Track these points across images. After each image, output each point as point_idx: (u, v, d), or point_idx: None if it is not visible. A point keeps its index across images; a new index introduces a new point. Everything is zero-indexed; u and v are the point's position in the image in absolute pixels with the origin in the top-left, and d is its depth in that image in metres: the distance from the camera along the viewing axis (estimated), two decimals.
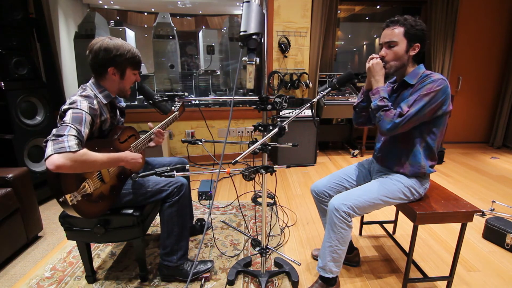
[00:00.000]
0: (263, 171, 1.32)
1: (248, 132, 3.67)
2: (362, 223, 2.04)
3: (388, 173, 1.48)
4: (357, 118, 1.61)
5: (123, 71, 1.38)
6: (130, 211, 1.44)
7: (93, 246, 1.90)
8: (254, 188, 2.75)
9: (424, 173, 1.41)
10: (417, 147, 1.37)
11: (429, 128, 1.34)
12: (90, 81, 1.38)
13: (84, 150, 1.12)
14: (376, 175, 1.55)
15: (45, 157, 1.06)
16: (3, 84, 2.23)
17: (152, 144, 1.64)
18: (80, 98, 1.25)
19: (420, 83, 1.30)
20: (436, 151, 1.39)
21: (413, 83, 1.34)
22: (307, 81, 3.56)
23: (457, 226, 1.42)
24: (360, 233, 2.06)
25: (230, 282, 1.56)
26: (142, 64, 1.47)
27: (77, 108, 1.20)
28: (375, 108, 1.33)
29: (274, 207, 2.41)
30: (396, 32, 1.31)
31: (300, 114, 1.80)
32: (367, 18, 4.43)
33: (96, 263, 1.74)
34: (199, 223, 2.08)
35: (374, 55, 1.36)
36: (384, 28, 1.36)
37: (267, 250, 1.55)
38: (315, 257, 1.80)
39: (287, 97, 1.27)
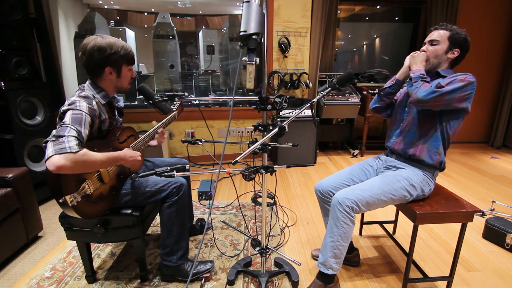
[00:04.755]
0: (263, 171, 1.32)
1: (248, 132, 3.67)
2: (362, 223, 2.04)
3: (394, 168, 1.51)
4: (377, 102, 1.66)
5: (119, 69, 1.38)
6: (130, 211, 1.44)
7: (93, 246, 1.90)
8: (254, 188, 2.75)
9: (440, 162, 1.43)
10: (437, 132, 1.42)
11: (448, 119, 1.39)
12: (87, 82, 1.37)
13: (85, 151, 1.12)
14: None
15: (46, 158, 1.06)
16: (3, 84, 2.23)
17: (153, 143, 1.64)
18: (79, 99, 1.24)
19: (452, 75, 1.38)
20: (447, 146, 1.44)
21: (445, 75, 1.41)
22: (307, 81, 3.56)
23: (457, 226, 1.42)
24: (360, 233, 2.06)
25: (230, 282, 1.56)
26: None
27: (76, 109, 1.20)
28: (416, 77, 1.38)
29: (274, 207, 2.41)
30: (441, 34, 1.43)
31: (300, 114, 1.80)
32: (367, 18, 4.43)
33: (96, 263, 1.74)
34: (199, 223, 2.08)
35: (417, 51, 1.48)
36: (432, 30, 1.49)
37: (267, 250, 1.55)
38: (315, 257, 1.80)
39: (287, 97, 1.27)
